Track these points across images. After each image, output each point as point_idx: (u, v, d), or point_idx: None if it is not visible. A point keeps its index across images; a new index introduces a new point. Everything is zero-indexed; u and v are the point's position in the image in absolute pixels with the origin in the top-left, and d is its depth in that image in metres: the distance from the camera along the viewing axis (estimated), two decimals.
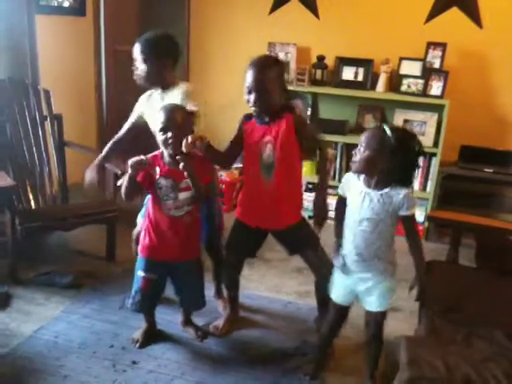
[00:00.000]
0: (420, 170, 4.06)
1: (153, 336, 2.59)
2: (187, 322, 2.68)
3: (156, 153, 2.36)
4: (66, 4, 4.08)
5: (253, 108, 2.30)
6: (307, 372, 2.41)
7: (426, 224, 4.06)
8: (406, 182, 2.03)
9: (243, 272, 2.68)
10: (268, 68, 2.26)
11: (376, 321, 2.20)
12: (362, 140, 2.02)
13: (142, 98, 2.77)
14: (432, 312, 2.20)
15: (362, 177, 2.08)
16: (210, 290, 2.91)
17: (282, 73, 2.34)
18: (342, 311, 2.30)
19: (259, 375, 2.41)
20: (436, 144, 3.97)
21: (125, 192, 2.31)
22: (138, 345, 2.53)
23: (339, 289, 2.25)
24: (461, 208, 3.62)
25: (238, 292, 2.75)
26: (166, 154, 2.31)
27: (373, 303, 2.16)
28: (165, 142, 2.25)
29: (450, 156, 4.05)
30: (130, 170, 2.23)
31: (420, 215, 4.08)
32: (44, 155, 3.50)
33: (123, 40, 4.71)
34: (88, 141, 4.31)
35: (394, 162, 1.95)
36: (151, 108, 2.63)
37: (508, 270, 2.55)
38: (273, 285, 3.24)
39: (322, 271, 2.42)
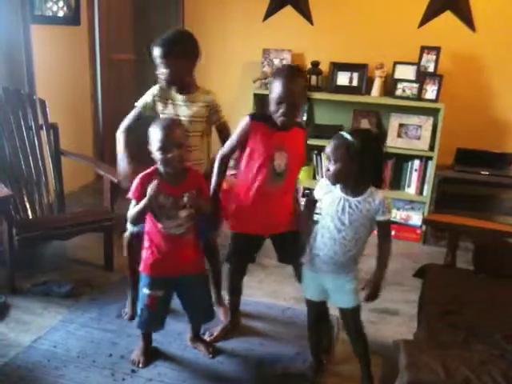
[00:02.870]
0: (416, 173, 4.08)
1: (152, 354, 2.54)
2: (196, 337, 2.62)
3: (150, 170, 2.27)
4: (61, 14, 4.09)
5: (281, 119, 2.25)
6: (307, 378, 2.40)
7: (423, 228, 4.06)
8: (378, 182, 2.06)
9: None
10: (299, 79, 2.26)
11: (352, 317, 2.23)
12: (328, 153, 2.03)
13: (157, 89, 2.61)
14: (430, 315, 2.20)
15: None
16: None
17: (307, 83, 2.37)
18: (318, 307, 2.33)
19: (259, 382, 2.41)
20: (432, 148, 3.98)
21: (136, 218, 2.25)
22: (140, 365, 2.46)
23: (310, 285, 2.28)
24: (458, 211, 3.62)
25: (240, 297, 2.74)
26: (162, 170, 2.23)
27: (344, 300, 2.20)
28: (165, 161, 2.18)
29: (445, 159, 4.06)
30: (148, 199, 2.14)
31: (417, 219, 4.10)
32: (40, 164, 3.49)
33: (118, 49, 4.73)
34: (84, 149, 4.32)
35: (363, 164, 1.98)
36: (166, 105, 2.58)
37: (506, 273, 2.55)
38: (271, 291, 3.24)
39: None
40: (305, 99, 2.31)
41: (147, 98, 2.60)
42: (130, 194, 2.26)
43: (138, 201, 2.22)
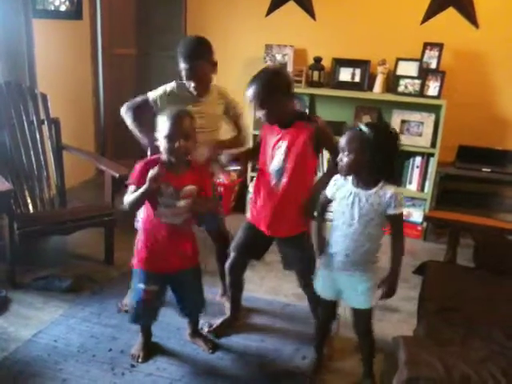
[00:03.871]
0: (418, 170, 4.07)
1: (152, 348, 2.54)
2: (196, 333, 2.63)
3: (152, 158, 2.28)
4: (63, 8, 4.08)
5: (265, 122, 2.33)
6: (307, 374, 2.41)
7: (424, 224, 4.06)
8: (391, 177, 2.04)
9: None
10: (265, 82, 2.26)
11: (363, 318, 2.22)
12: (343, 144, 2.03)
13: (164, 92, 2.59)
14: (430, 312, 2.20)
15: (350, 177, 2.10)
16: (216, 288, 2.96)
17: (283, 81, 2.31)
18: (330, 306, 2.33)
19: (258, 378, 2.42)
20: (433, 144, 3.97)
21: (134, 204, 2.22)
22: (140, 360, 2.46)
23: (325, 284, 2.27)
24: (459, 208, 3.62)
25: (242, 294, 2.73)
26: (166, 159, 2.22)
27: (358, 301, 2.18)
28: (170, 150, 2.17)
29: (447, 156, 4.05)
30: (149, 184, 2.12)
31: (418, 216, 4.09)
32: (42, 159, 3.50)
33: (120, 43, 4.72)
34: (86, 144, 4.32)
35: (375, 158, 1.97)
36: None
37: (506, 270, 2.55)
38: (271, 287, 3.24)
39: (306, 291, 2.53)
40: (279, 98, 2.25)
41: (159, 93, 2.58)
42: (129, 180, 2.25)
43: (136, 186, 2.20)
